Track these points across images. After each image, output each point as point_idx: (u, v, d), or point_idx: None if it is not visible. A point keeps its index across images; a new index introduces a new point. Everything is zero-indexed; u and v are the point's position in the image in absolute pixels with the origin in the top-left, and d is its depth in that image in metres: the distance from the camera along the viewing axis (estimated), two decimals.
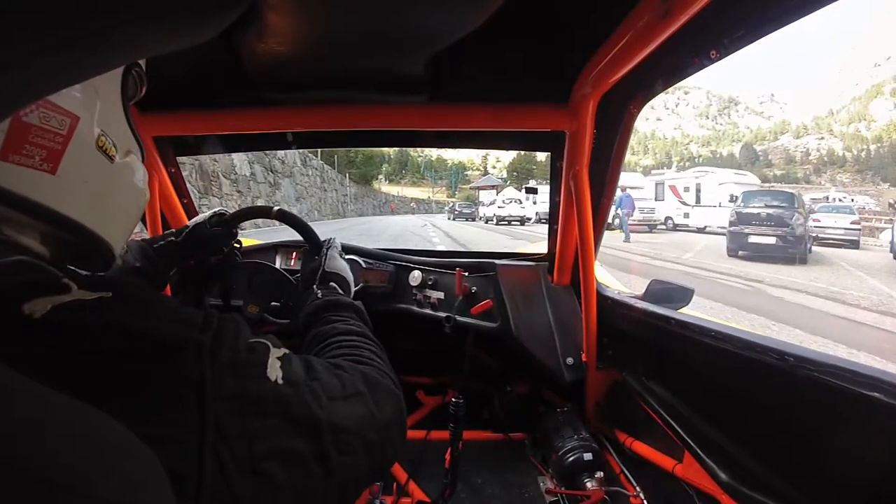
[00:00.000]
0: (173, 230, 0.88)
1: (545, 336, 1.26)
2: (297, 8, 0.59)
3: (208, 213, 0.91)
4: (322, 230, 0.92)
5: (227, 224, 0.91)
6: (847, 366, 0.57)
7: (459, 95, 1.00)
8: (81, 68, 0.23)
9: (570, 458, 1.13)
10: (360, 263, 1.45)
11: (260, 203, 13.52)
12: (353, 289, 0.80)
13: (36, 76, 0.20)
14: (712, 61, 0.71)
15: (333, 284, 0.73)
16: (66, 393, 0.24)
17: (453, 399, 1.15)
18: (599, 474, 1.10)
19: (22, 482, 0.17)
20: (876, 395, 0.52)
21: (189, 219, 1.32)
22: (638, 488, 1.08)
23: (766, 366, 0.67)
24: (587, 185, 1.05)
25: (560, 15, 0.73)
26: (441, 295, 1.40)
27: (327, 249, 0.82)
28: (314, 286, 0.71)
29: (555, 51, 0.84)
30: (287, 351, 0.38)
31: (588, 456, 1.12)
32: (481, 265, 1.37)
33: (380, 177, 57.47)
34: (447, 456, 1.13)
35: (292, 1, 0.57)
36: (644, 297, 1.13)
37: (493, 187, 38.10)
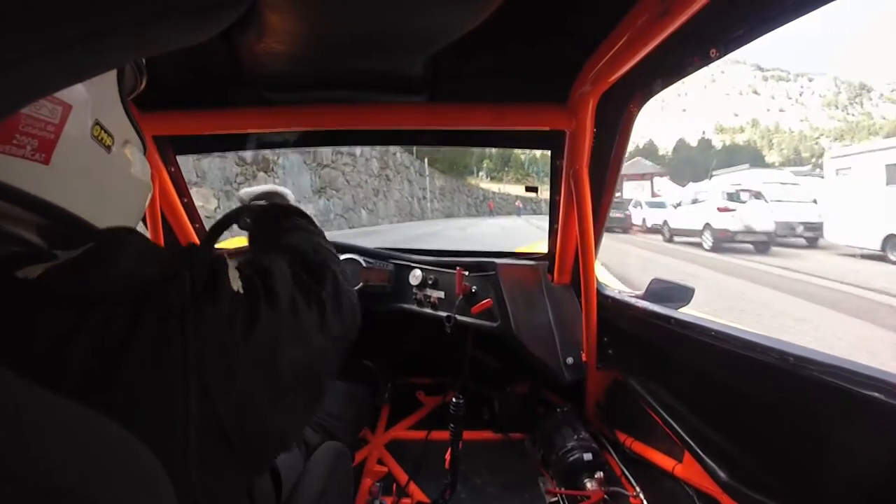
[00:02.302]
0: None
1: (545, 335, 1.26)
2: (297, 8, 0.59)
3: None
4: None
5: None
6: (847, 366, 0.57)
7: (459, 95, 1.00)
8: (82, 68, 0.23)
9: (570, 459, 1.13)
10: (360, 263, 1.45)
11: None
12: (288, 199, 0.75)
13: (37, 76, 0.20)
14: (712, 60, 0.71)
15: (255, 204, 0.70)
16: (67, 348, 0.25)
17: (453, 399, 1.15)
18: (599, 474, 1.10)
19: (23, 488, 0.17)
20: (876, 395, 0.52)
21: (190, 219, 1.32)
22: (638, 488, 1.08)
23: (767, 365, 0.67)
24: (587, 185, 1.05)
25: (559, 14, 0.73)
26: (441, 294, 1.40)
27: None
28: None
29: (554, 50, 0.84)
30: (240, 261, 0.39)
31: (588, 456, 1.12)
32: (482, 264, 1.37)
33: (480, 174, 48.97)
34: (447, 456, 1.13)
35: (292, 1, 0.57)
36: (644, 297, 1.13)
37: (641, 176, 26.23)
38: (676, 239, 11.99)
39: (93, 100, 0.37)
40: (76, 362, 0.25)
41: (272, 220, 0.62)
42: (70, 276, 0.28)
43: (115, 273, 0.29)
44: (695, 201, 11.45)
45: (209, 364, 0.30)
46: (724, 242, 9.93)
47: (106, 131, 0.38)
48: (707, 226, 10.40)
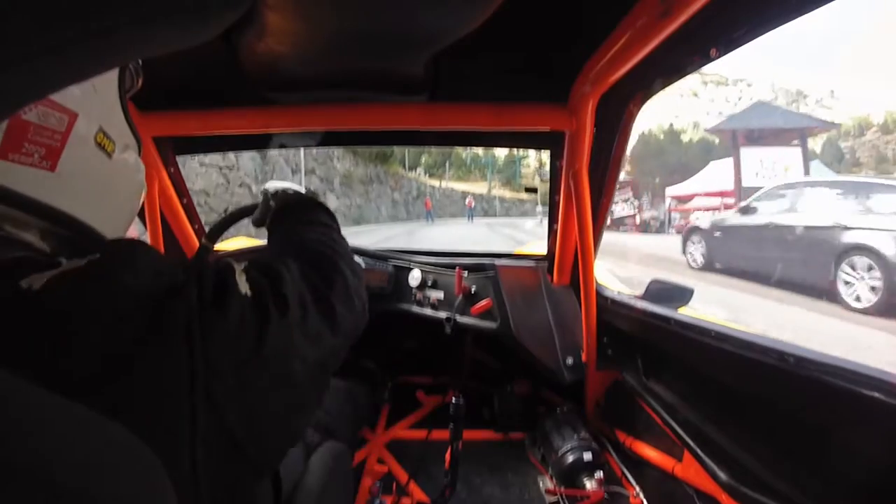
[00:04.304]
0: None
1: (545, 336, 1.26)
2: (297, 8, 0.59)
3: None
4: None
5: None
6: (847, 366, 0.57)
7: (459, 95, 1.00)
8: (82, 69, 0.23)
9: (570, 458, 1.13)
10: (359, 264, 1.45)
11: None
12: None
13: (37, 76, 0.20)
14: (711, 59, 0.71)
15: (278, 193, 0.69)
16: (67, 360, 0.25)
17: (453, 399, 1.15)
18: (599, 474, 1.10)
19: (23, 484, 0.17)
20: (876, 395, 0.52)
21: (189, 219, 1.32)
22: (637, 488, 1.08)
23: (766, 366, 0.67)
24: (587, 185, 1.05)
25: (559, 14, 0.73)
26: (441, 295, 1.40)
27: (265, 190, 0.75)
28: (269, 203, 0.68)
29: (554, 50, 0.84)
30: (246, 263, 0.39)
31: (588, 456, 1.12)
32: (481, 265, 1.37)
33: (418, 169, 39.45)
34: (447, 456, 1.13)
35: (292, 1, 0.58)
36: (644, 297, 1.13)
37: (779, 136, 14.40)
38: None
39: (97, 107, 0.38)
40: (76, 375, 0.25)
41: (294, 211, 0.63)
42: (72, 289, 0.28)
43: (119, 288, 0.29)
44: None
45: (219, 378, 0.29)
46: None
47: (108, 138, 0.39)
48: None
